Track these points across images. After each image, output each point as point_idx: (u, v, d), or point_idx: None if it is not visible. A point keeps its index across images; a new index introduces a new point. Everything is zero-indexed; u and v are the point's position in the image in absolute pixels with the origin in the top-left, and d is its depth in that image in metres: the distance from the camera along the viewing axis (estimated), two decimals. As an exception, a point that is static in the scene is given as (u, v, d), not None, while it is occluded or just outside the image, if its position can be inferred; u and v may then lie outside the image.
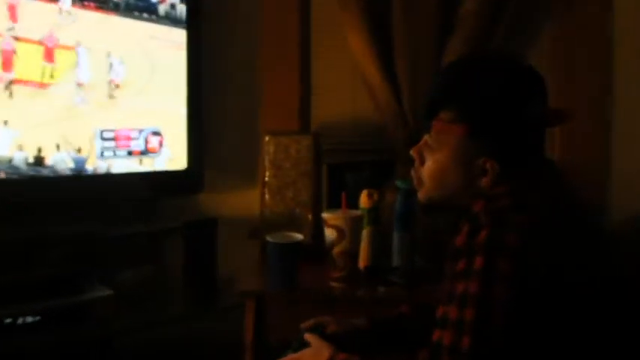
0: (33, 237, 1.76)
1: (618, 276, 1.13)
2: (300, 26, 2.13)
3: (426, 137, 1.17)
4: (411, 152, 1.19)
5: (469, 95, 1.10)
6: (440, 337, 1.01)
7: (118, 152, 1.89)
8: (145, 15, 1.89)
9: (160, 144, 1.97)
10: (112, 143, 1.87)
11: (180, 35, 1.97)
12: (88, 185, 1.84)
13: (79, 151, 1.81)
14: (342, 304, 1.70)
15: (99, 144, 1.84)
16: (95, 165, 1.85)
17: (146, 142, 1.94)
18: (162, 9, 1.93)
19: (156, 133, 1.96)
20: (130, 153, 1.91)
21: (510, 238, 0.99)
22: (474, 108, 1.10)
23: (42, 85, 1.72)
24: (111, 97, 1.85)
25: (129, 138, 1.91)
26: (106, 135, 1.86)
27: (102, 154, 1.85)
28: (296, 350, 1.28)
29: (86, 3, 1.77)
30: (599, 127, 2.02)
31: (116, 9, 1.83)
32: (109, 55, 1.83)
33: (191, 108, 2.03)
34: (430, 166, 1.16)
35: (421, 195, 1.20)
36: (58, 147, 1.78)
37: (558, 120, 1.14)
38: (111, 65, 1.83)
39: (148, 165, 1.96)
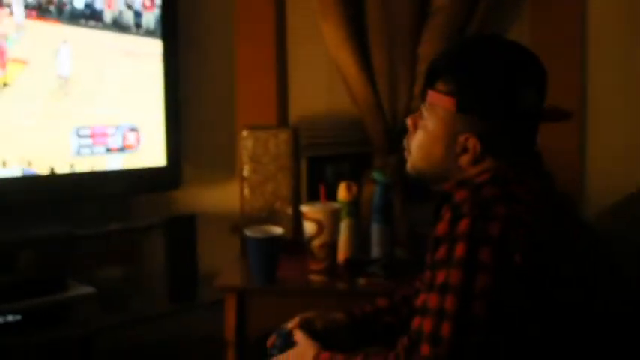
0: (14, 237, 1.75)
1: (602, 267, 1.13)
2: (276, 20, 2.11)
3: (422, 106, 1.16)
4: (407, 121, 1.18)
5: (464, 68, 1.10)
6: (420, 324, 1.00)
7: (95, 149, 1.88)
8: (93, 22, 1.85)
9: (137, 140, 1.96)
10: (88, 140, 1.86)
11: (129, 42, 1.92)
12: (65, 184, 1.82)
13: (29, 164, 1.76)
14: (321, 296, 1.71)
15: (75, 141, 1.83)
16: (71, 163, 1.83)
17: (124, 138, 1.93)
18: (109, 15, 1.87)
19: (133, 130, 1.95)
20: (108, 150, 1.90)
21: (493, 227, 0.98)
22: (465, 81, 1.08)
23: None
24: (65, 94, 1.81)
25: (105, 135, 1.90)
26: (82, 132, 1.85)
27: (79, 152, 1.84)
28: (281, 350, 1.26)
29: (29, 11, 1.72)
30: (573, 118, 1.89)
31: (60, 15, 1.77)
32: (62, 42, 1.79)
33: (168, 103, 2.00)
34: (418, 135, 1.15)
35: (408, 165, 1.18)
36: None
37: (555, 117, 1.14)
38: (58, 52, 1.78)
39: (125, 162, 1.94)
